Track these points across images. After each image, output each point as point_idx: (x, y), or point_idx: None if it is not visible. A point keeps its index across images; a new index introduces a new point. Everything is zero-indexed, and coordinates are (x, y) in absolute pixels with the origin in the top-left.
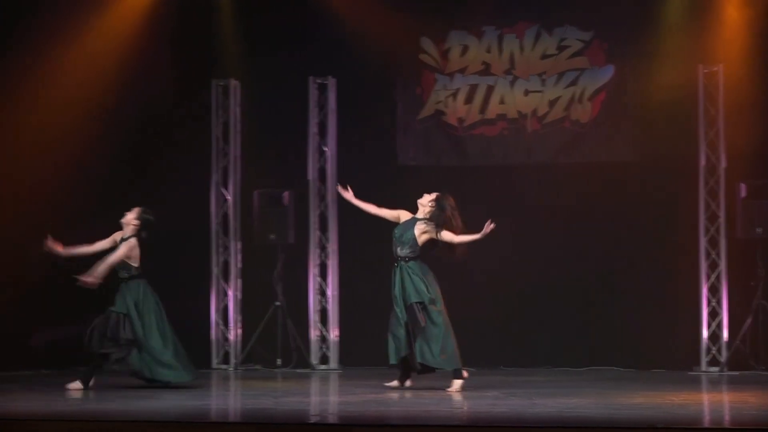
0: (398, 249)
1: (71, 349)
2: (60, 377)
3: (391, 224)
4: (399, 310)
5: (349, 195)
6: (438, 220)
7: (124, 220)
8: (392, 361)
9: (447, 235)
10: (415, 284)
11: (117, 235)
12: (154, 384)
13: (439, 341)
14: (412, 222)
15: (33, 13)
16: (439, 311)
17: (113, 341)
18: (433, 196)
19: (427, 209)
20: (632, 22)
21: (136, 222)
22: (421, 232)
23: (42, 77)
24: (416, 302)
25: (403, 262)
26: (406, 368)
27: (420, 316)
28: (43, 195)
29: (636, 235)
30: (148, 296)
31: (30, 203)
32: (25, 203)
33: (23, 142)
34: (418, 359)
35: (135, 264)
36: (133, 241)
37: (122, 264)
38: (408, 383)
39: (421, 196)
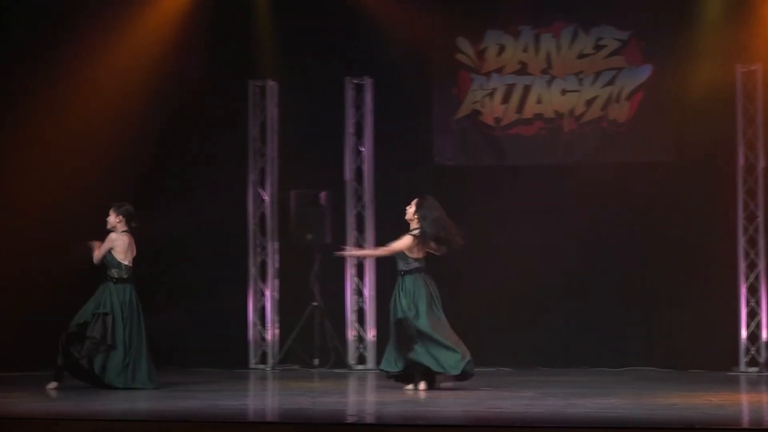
0: (396, 263)
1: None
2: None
3: None
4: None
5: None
6: (423, 232)
7: (109, 227)
8: (383, 367)
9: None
10: (401, 300)
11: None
12: (101, 386)
13: (442, 350)
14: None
15: (77, 14)
16: (430, 324)
17: (92, 338)
18: (413, 207)
19: (414, 223)
20: (670, 21)
21: (119, 219)
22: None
23: (84, 76)
24: (401, 318)
25: (399, 276)
26: (410, 375)
27: (410, 328)
28: (77, 193)
29: (674, 234)
30: (133, 303)
31: (63, 201)
32: (56, 202)
33: (62, 138)
34: (436, 370)
35: (126, 262)
36: (124, 236)
37: (115, 262)
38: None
39: (458, 196)
